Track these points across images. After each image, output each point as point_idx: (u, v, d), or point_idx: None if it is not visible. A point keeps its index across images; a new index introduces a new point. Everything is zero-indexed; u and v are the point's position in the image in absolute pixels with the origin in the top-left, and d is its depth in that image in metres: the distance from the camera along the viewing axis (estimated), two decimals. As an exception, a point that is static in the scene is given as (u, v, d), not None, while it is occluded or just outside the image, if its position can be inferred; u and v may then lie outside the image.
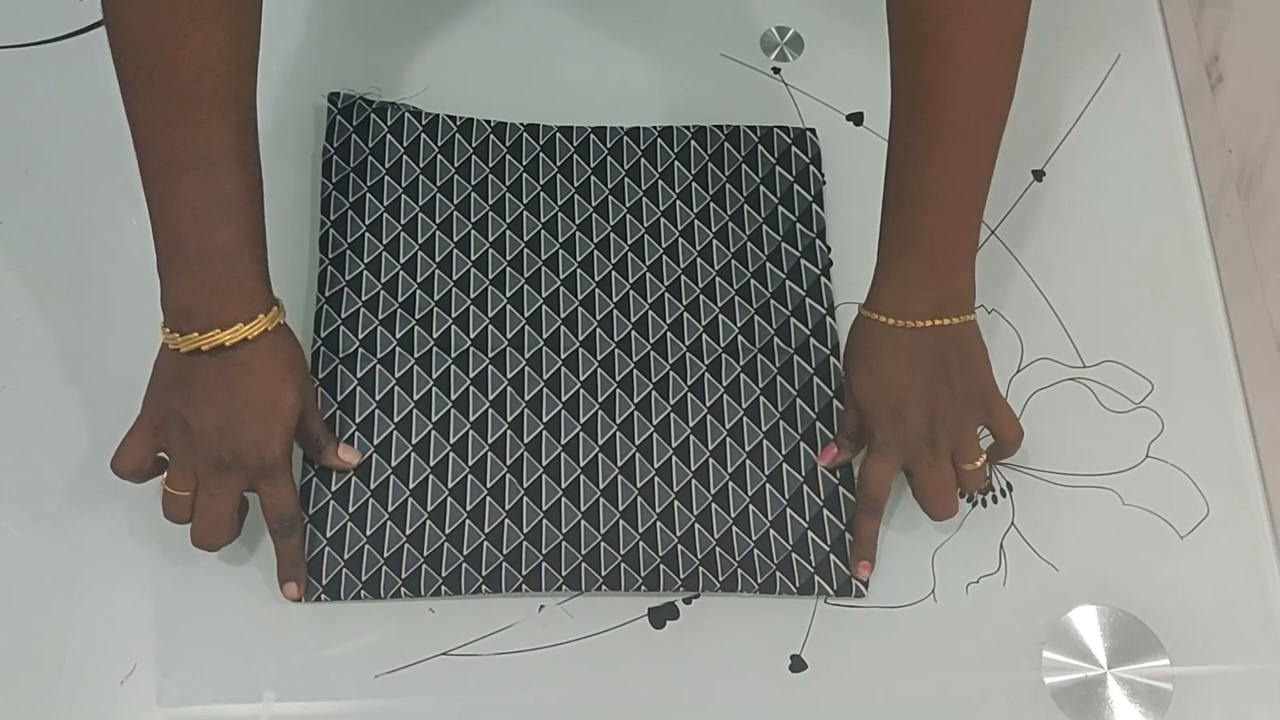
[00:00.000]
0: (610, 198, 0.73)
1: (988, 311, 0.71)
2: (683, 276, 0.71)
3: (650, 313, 0.70)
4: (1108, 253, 0.74)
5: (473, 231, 0.72)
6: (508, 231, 0.72)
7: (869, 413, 0.63)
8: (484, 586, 0.62)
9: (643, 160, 0.74)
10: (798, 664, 0.62)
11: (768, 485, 0.66)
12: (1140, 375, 0.70)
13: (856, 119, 0.77)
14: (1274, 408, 0.68)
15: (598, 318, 0.70)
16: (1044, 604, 0.64)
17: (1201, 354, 0.71)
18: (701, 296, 0.71)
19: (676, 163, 0.74)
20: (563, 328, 0.69)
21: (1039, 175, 0.76)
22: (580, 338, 0.69)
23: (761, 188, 0.74)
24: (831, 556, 0.64)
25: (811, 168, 0.75)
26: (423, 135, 0.74)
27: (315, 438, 0.64)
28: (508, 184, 0.73)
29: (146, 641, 0.62)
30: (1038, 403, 0.69)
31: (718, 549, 0.64)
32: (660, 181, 0.74)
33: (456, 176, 0.73)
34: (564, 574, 0.63)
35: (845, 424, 0.66)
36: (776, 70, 0.79)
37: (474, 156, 0.74)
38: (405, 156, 0.73)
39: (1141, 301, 0.72)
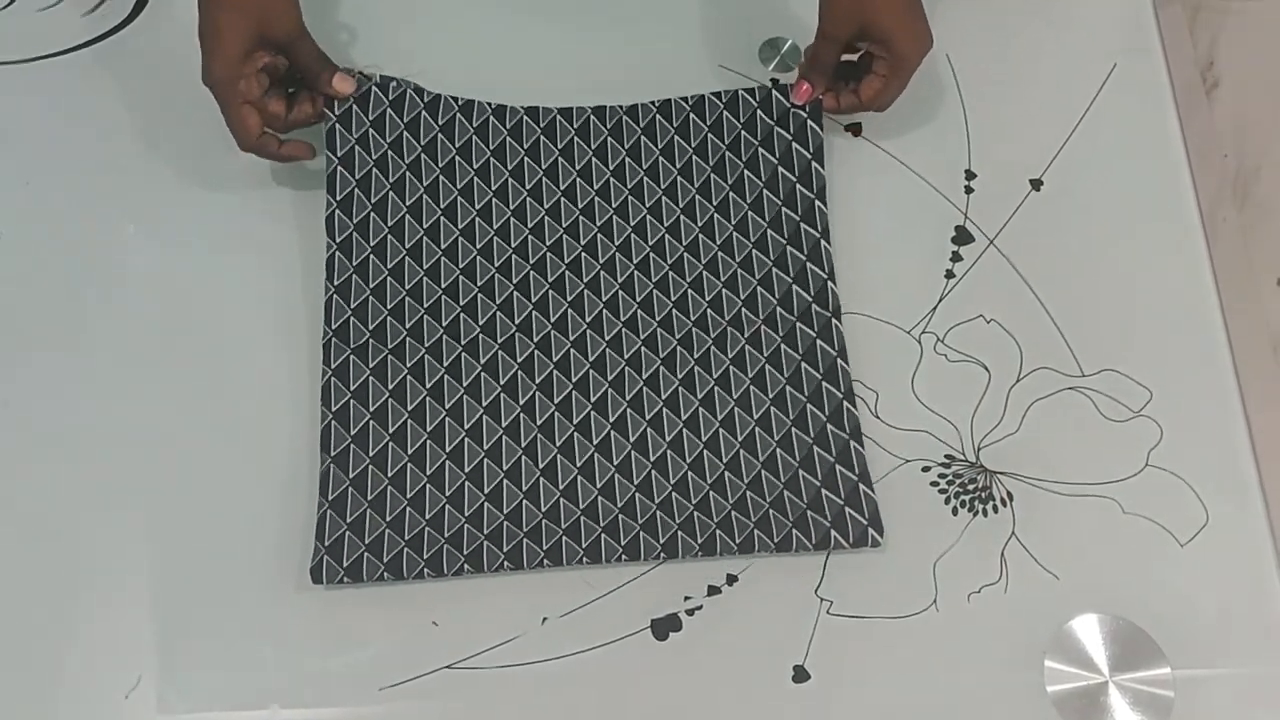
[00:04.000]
0: (612, 179, 0.74)
1: (986, 321, 0.72)
2: (685, 254, 0.72)
3: (655, 291, 0.71)
4: (1106, 261, 0.74)
5: (477, 218, 0.72)
6: (511, 218, 0.72)
7: (897, 32, 0.69)
8: (506, 563, 0.63)
9: (643, 138, 0.75)
10: (800, 674, 0.63)
11: (778, 449, 0.67)
12: (1139, 384, 0.70)
13: (854, 129, 0.77)
14: (1272, 414, 0.68)
15: (604, 299, 0.71)
16: (1045, 612, 0.64)
17: (1200, 362, 0.71)
18: (704, 272, 0.72)
19: (676, 137, 0.75)
20: (570, 310, 0.70)
21: (1037, 185, 0.76)
22: (588, 319, 0.70)
23: (760, 150, 0.75)
24: (846, 509, 0.65)
25: (810, 123, 0.75)
26: (424, 113, 0.74)
27: (307, 65, 0.70)
28: (509, 168, 0.74)
29: (151, 655, 0.62)
30: (1037, 412, 0.69)
31: (733, 513, 0.65)
32: (661, 159, 0.75)
33: (458, 158, 0.73)
34: (584, 545, 0.64)
35: (822, 56, 0.72)
36: (775, 81, 0.79)
37: (475, 137, 0.74)
38: (405, 133, 0.73)
39: (1140, 310, 0.72)
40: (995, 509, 0.67)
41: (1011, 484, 0.68)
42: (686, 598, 0.64)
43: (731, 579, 0.65)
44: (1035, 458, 0.68)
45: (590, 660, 0.63)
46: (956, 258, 0.73)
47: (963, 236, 0.74)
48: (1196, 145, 0.78)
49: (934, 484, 0.67)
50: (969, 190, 0.75)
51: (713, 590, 0.64)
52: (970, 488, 0.67)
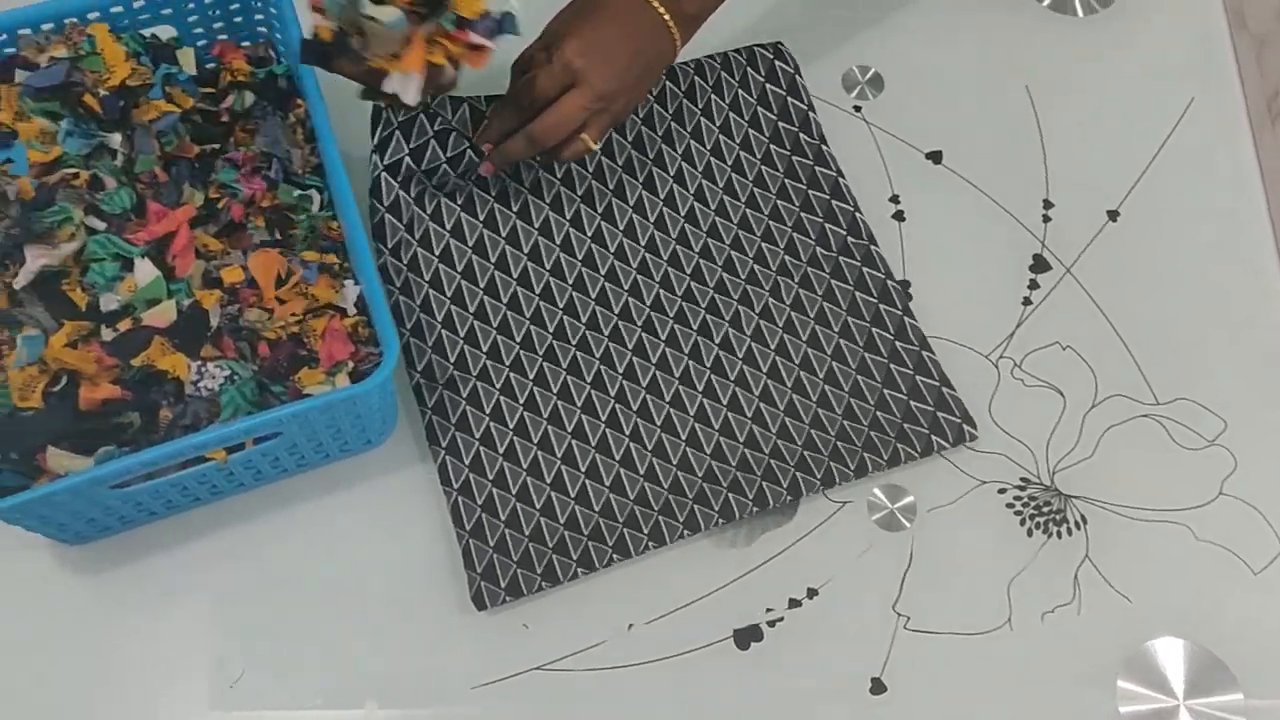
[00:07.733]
0: (633, 153, 0.76)
1: (1063, 348, 0.73)
2: (716, 218, 0.76)
3: (700, 260, 0.74)
4: (1181, 291, 0.75)
5: (516, 221, 0.74)
6: (549, 212, 0.74)
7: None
8: (650, 543, 0.67)
9: (654, 105, 0.78)
10: (878, 687, 0.64)
11: (858, 376, 0.71)
12: (1213, 413, 0.71)
13: (935, 157, 0.79)
14: (1346, 447, 0.69)
15: (657, 278, 0.74)
16: (1118, 634, 0.66)
17: (1275, 392, 0.72)
18: (739, 231, 0.75)
19: (684, 101, 0.78)
20: (629, 298, 0.73)
21: (1114, 215, 0.77)
22: (648, 301, 0.73)
23: (759, 109, 0.79)
24: (939, 414, 0.70)
25: (797, 77, 0.80)
26: (468, 150, 0.71)
27: None
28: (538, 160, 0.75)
29: (255, 648, 0.65)
30: (1111, 439, 0.71)
31: (838, 443, 0.69)
32: (673, 124, 0.78)
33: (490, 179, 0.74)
34: (716, 508, 0.67)
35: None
36: (858, 108, 0.81)
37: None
38: (446, 166, 0.71)
39: (1214, 339, 0.74)
40: (1069, 532, 0.68)
41: (1085, 508, 0.69)
42: (768, 609, 0.66)
43: (812, 592, 0.67)
44: (1109, 483, 0.69)
45: (673, 667, 0.65)
46: (1034, 285, 0.75)
47: (1040, 264, 0.76)
48: (1273, 176, 0.79)
49: (1009, 505, 0.69)
50: (1047, 219, 0.77)
51: (793, 603, 0.66)
52: (1045, 510, 0.69)
